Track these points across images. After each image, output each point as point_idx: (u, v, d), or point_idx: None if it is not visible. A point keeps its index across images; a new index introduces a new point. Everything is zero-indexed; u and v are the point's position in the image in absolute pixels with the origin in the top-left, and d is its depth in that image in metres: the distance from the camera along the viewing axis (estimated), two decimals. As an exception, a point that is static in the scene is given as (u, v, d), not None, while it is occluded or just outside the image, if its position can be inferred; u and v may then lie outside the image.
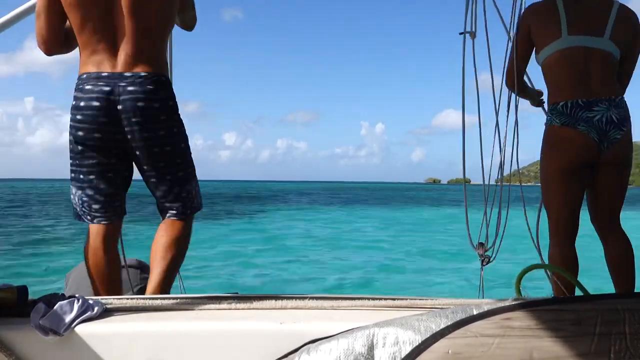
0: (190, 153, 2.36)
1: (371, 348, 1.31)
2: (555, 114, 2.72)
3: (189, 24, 2.44)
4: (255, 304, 1.73)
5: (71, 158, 2.23)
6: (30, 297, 1.67)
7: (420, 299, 1.75)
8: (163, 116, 2.17)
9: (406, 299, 1.75)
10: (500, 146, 3.48)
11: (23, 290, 1.66)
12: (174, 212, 2.32)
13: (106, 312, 1.66)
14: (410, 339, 1.29)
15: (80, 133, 2.14)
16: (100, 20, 2.07)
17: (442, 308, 1.50)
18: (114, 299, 1.77)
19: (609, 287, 2.74)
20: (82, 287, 2.40)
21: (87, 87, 2.10)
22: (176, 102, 2.26)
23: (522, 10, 3.03)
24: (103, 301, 1.71)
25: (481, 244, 3.57)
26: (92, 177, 2.20)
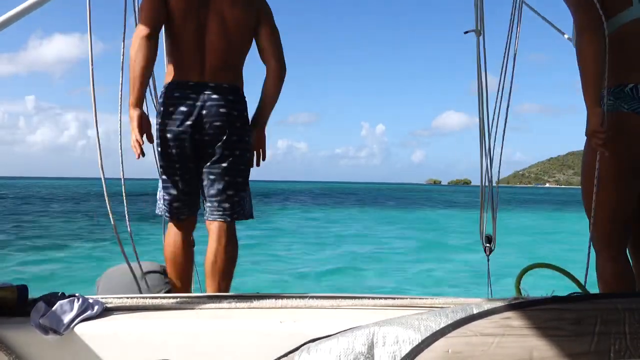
0: (251, 165, 2.54)
1: (371, 347, 1.31)
2: (621, 98, 2.16)
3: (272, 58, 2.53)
4: (255, 303, 1.73)
5: (160, 161, 2.44)
6: (30, 296, 1.67)
7: (420, 298, 1.75)
8: (238, 123, 2.39)
9: (406, 298, 1.75)
10: (494, 147, 3.50)
11: (23, 289, 1.66)
12: (220, 212, 2.43)
13: (106, 312, 1.67)
14: (410, 338, 1.29)
15: (168, 135, 2.35)
16: (196, 32, 2.34)
17: (442, 307, 1.50)
18: (114, 298, 1.77)
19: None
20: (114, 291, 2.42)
21: (176, 93, 2.35)
22: (248, 114, 2.49)
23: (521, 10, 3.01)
24: (103, 300, 1.71)
25: (487, 237, 3.71)
26: (176, 178, 2.41)
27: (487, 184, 3.80)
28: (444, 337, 1.26)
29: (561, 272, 2.32)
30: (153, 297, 1.81)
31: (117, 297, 1.78)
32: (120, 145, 2.33)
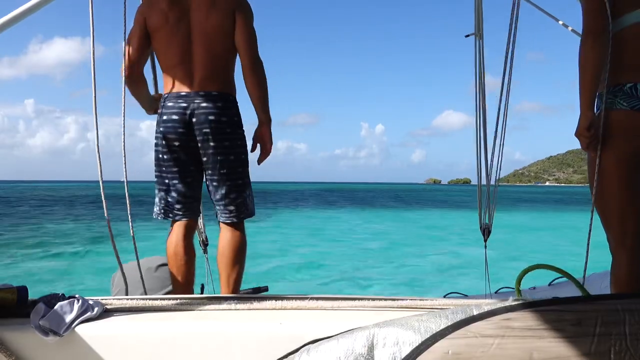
0: (248, 164, 2.62)
1: (371, 348, 1.31)
2: (620, 96, 2.21)
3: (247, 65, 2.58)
4: (255, 304, 1.73)
5: (156, 166, 2.56)
6: (30, 297, 1.67)
7: (420, 299, 1.75)
8: (229, 129, 2.49)
9: (406, 299, 1.75)
10: (495, 147, 3.55)
11: (23, 290, 1.66)
12: (227, 214, 2.56)
13: (106, 313, 1.67)
14: (410, 340, 1.29)
15: (164, 142, 2.49)
16: (180, 47, 2.46)
17: (442, 308, 1.50)
18: (114, 299, 1.77)
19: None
20: (134, 282, 2.53)
21: (169, 103, 2.48)
22: (240, 118, 2.57)
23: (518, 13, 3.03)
24: (103, 301, 1.71)
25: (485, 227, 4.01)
26: (175, 182, 2.53)
27: (485, 182, 3.87)
28: (444, 338, 1.26)
29: (561, 272, 2.32)
30: (153, 299, 1.81)
31: (117, 299, 1.78)
32: (124, 147, 2.34)
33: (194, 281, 2.62)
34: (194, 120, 2.44)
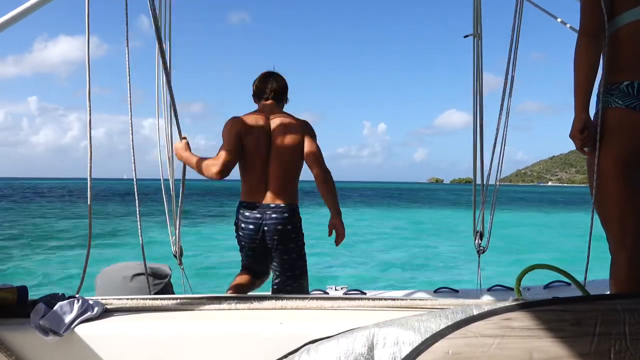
0: (306, 256, 3.21)
1: (371, 348, 1.31)
2: (616, 95, 2.21)
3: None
4: (255, 304, 1.73)
5: (238, 244, 3.22)
6: (30, 297, 1.67)
7: (420, 299, 1.75)
8: (293, 234, 3.09)
9: (406, 299, 1.75)
10: (496, 147, 3.52)
11: (23, 290, 1.66)
12: (285, 292, 3.11)
13: (106, 313, 1.66)
14: (410, 340, 1.29)
15: (243, 242, 3.14)
16: (260, 164, 3.06)
17: (442, 308, 1.50)
18: (114, 299, 1.77)
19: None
20: (110, 288, 2.80)
21: (247, 213, 3.08)
22: (301, 221, 3.15)
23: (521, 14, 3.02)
24: (103, 301, 1.70)
25: (478, 233, 3.89)
26: (250, 260, 3.21)
27: (483, 182, 3.84)
28: (444, 338, 1.26)
29: (561, 272, 2.32)
30: (153, 299, 1.81)
31: (117, 299, 1.78)
32: (132, 146, 2.35)
33: None
34: (265, 228, 3.04)
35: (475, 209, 3.90)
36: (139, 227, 2.34)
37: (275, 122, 3.10)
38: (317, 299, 1.76)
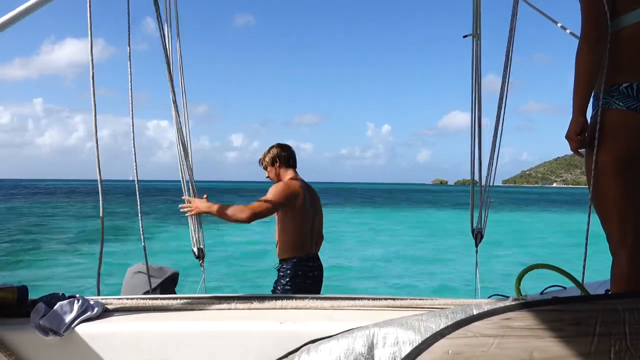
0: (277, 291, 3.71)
1: (371, 348, 1.31)
2: (616, 96, 2.22)
3: None
4: (255, 304, 1.73)
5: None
6: (30, 296, 1.67)
7: (420, 299, 1.75)
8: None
9: (406, 299, 1.75)
10: (495, 148, 3.53)
11: (23, 290, 1.66)
12: None
13: (106, 312, 1.66)
14: (410, 339, 1.29)
15: (310, 288, 3.59)
16: (309, 229, 3.68)
17: (442, 308, 1.50)
18: (114, 299, 1.77)
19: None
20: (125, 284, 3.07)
21: (310, 263, 3.67)
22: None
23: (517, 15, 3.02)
24: (103, 301, 1.70)
25: (474, 230, 3.99)
26: None
27: (481, 181, 3.85)
28: (444, 338, 1.26)
29: (561, 272, 2.31)
30: (153, 298, 1.81)
31: (117, 298, 1.78)
32: (134, 145, 2.36)
33: None
34: (316, 273, 3.67)
35: (472, 208, 3.94)
36: (140, 227, 2.36)
37: (309, 189, 3.79)
38: (317, 298, 1.76)
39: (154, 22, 2.87)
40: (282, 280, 3.57)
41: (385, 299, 1.77)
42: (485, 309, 1.30)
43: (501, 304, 1.32)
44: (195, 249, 3.65)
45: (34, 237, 16.79)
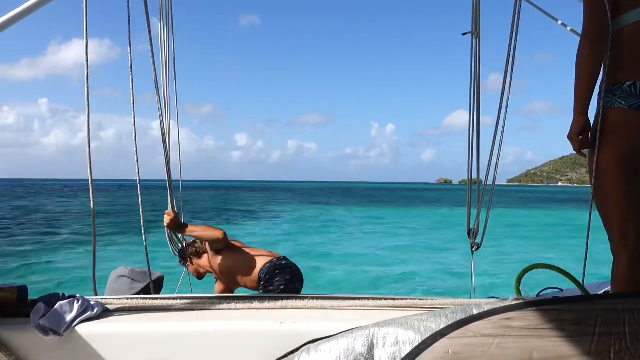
0: None
1: (371, 348, 1.31)
2: (619, 95, 2.21)
3: None
4: (255, 304, 1.73)
5: None
6: (30, 296, 1.67)
7: (420, 299, 1.75)
8: None
9: (406, 299, 1.75)
10: (494, 147, 3.51)
11: (23, 290, 1.66)
12: None
13: (106, 312, 1.66)
14: (410, 339, 1.29)
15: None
16: None
17: (442, 308, 1.50)
18: (114, 299, 1.77)
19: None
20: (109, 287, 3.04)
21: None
22: None
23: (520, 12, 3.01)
24: (103, 301, 1.70)
25: (471, 230, 3.81)
26: None
27: (479, 180, 3.83)
28: (444, 337, 1.26)
29: (561, 272, 2.31)
30: (153, 298, 1.81)
31: (117, 298, 1.78)
32: (135, 145, 2.36)
33: None
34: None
35: (470, 207, 3.90)
36: (142, 231, 2.36)
37: None
38: (317, 298, 1.76)
39: (157, 22, 2.86)
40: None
41: (385, 299, 1.77)
42: (485, 309, 1.30)
43: (501, 304, 1.32)
44: (174, 249, 3.67)
45: (34, 236, 16.80)
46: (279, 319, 1.56)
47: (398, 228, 22.46)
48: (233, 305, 1.72)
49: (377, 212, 33.32)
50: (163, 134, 2.97)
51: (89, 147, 2.16)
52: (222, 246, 3.57)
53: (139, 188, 2.39)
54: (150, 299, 1.79)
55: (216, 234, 3.46)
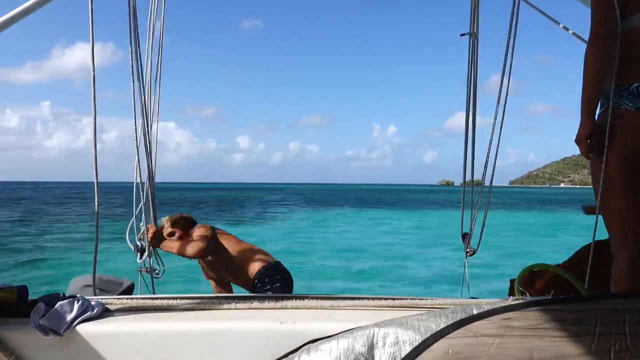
0: None
1: (371, 348, 1.31)
2: (626, 96, 2.19)
3: None
4: (255, 304, 1.73)
5: None
6: (30, 296, 1.67)
7: (420, 299, 1.75)
8: None
9: (406, 299, 1.75)
10: (491, 148, 3.50)
11: (23, 290, 1.66)
12: None
13: (106, 312, 1.66)
14: (410, 339, 1.29)
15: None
16: None
17: (442, 308, 1.50)
18: (114, 298, 1.77)
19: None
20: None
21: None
22: None
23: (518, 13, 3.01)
24: (103, 301, 1.70)
25: (466, 235, 3.78)
26: None
27: (473, 183, 3.80)
28: (444, 337, 1.26)
29: (561, 272, 2.31)
30: (153, 298, 1.81)
31: (117, 298, 1.78)
32: (137, 147, 2.35)
33: None
34: None
35: (463, 211, 3.86)
36: (135, 232, 2.35)
37: None
38: (317, 298, 1.76)
39: (158, 23, 2.83)
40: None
41: (385, 298, 1.77)
42: (485, 309, 1.30)
43: (501, 304, 1.32)
44: (132, 245, 3.13)
45: (35, 237, 16.81)
46: (279, 319, 1.56)
47: (399, 229, 22.47)
48: (233, 305, 1.72)
49: (377, 213, 33.33)
50: (146, 141, 2.68)
51: (95, 149, 2.14)
52: (209, 252, 3.43)
53: (135, 190, 2.38)
54: (150, 298, 1.79)
55: (196, 248, 3.22)
